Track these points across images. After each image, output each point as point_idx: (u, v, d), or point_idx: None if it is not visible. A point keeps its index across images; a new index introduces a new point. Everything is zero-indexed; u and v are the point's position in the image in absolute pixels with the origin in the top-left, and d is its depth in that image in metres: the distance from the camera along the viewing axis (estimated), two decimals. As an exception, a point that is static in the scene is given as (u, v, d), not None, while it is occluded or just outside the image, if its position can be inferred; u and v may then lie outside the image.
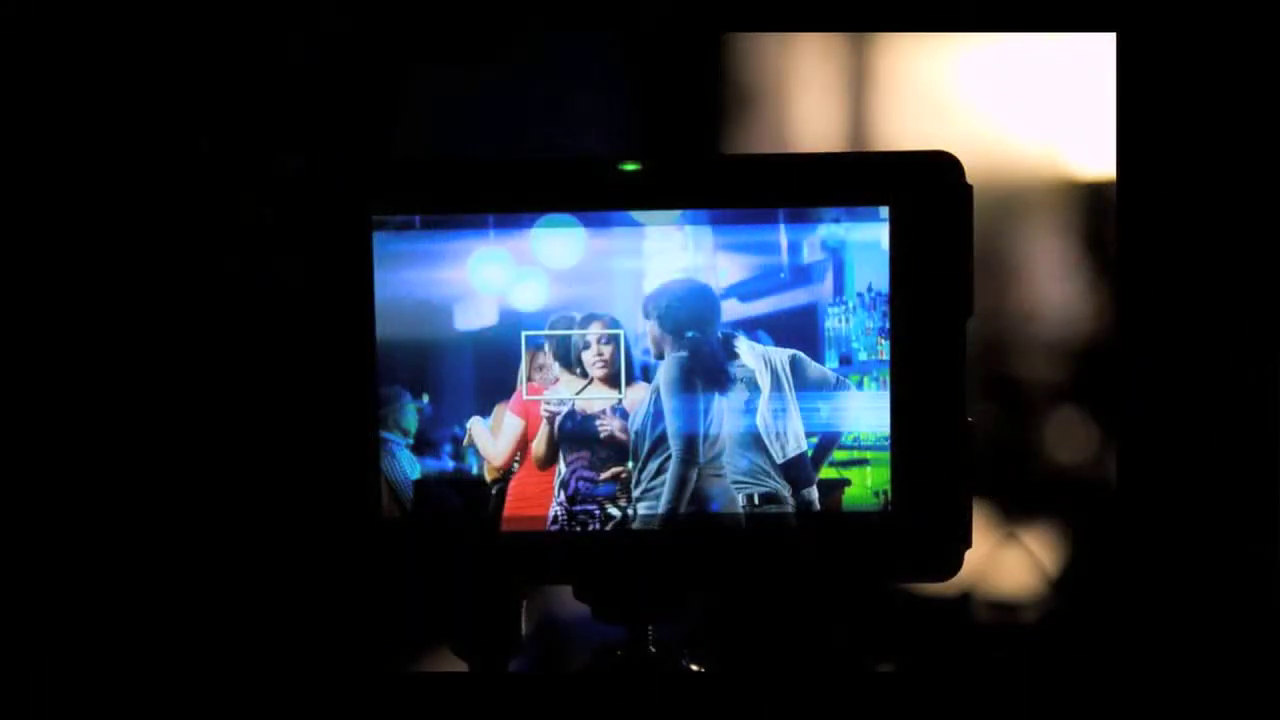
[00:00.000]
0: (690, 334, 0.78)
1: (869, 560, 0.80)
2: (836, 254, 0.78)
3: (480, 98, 1.25)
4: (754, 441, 0.79)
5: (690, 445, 0.78)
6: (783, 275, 0.78)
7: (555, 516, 0.79)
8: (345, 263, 0.78)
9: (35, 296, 1.07)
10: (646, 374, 0.79)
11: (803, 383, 0.78)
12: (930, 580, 0.81)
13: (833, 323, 0.78)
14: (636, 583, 0.82)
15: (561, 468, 0.80)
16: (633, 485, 0.79)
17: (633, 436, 0.79)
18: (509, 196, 0.78)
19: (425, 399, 0.79)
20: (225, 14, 1.12)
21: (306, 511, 0.80)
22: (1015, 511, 1.34)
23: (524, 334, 0.79)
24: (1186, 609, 1.04)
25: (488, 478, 0.79)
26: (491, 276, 0.78)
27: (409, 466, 0.79)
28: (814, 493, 0.79)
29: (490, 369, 0.79)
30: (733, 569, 0.81)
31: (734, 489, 0.79)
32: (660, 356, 0.79)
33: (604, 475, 0.79)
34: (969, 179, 0.77)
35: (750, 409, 0.79)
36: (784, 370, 0.78)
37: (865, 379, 0.78)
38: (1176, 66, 1.05)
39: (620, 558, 0.79)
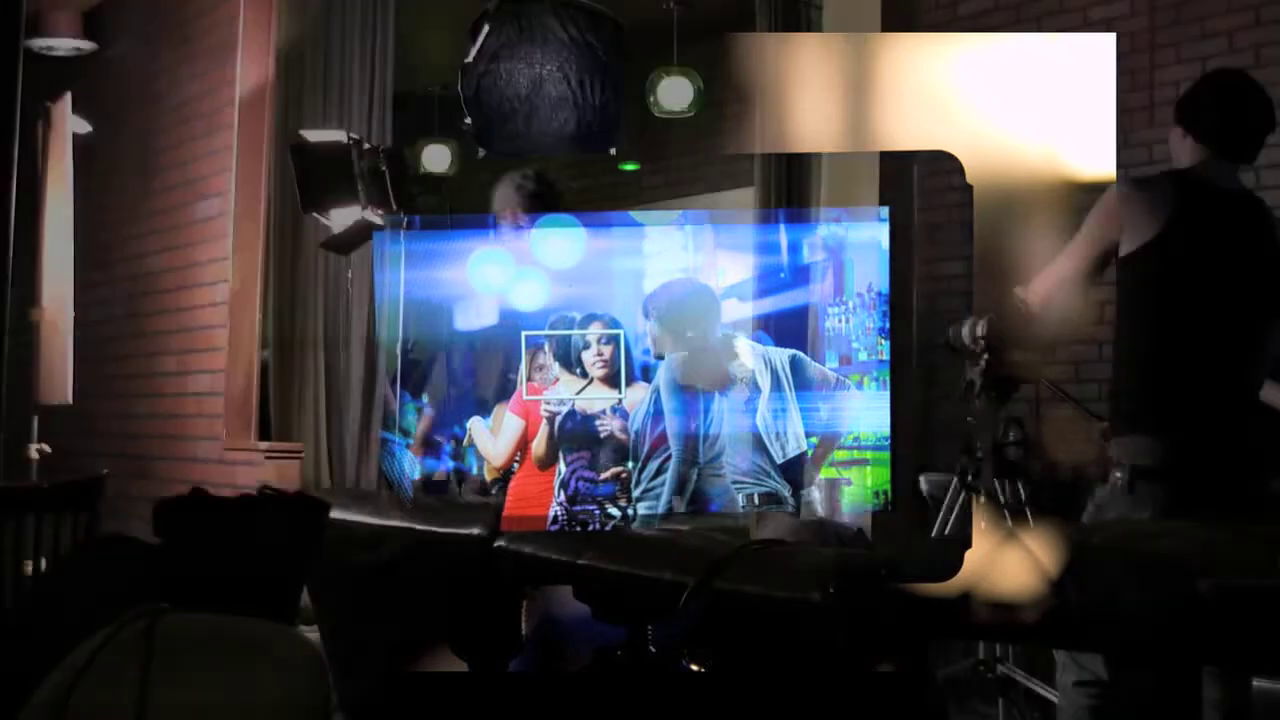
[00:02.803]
0: (690, 334, 0.78)
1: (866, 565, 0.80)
2: (836, 254, 0.78)
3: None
4: (754, 441, 0.79)
5: (690, 445, 0.78)
6: (783, 275, 0.78)
7: (555, 516, 0.79)
8: None
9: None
10: (646, 374, 0.79)
11: (803, 383, 0.78)
12: (930, 580, 0.81)
13: (833, 323, 0.78)
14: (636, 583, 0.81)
15: (561, 468, 0.80)
16: (633, 485, 0.79)
17: (633, 436, 0.79)
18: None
19: (425, 399, 0.79)
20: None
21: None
22: (1015, 511, 1.34)
23: (524, 334, 0.79)
24: (1186, 609, 1.04)
25: (488, 478, 0.80)
26: (491, 276, 0.78)
27: (409, 466, 0.79)
28: (814, 493, 0.79)
29: (490, 369, 0.79)
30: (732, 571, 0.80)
31: (734, 489, 0.79)
32: (660, 356, 0.79)
33: (604, 475, 0.79)
34: (969, 179, 0.77)
35: (750, 409, 0.79)
36: (784, 370, 0.78)
37: (865, 379, 0.78)
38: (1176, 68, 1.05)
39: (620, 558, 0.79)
